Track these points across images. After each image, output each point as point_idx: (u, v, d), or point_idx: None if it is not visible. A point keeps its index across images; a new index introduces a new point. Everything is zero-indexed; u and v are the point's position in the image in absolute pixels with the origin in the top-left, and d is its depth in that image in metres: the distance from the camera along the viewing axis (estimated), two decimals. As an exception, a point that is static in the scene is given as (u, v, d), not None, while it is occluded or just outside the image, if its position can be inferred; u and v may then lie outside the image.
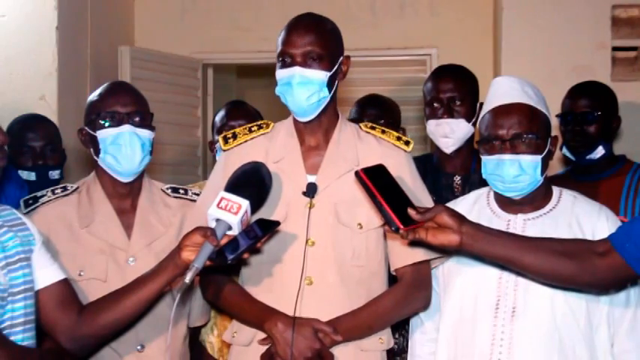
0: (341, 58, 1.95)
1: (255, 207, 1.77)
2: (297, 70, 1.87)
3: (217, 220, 1.68)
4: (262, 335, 1.88)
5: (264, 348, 1.88)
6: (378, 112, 2.81)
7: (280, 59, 1.91)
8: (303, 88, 1.87)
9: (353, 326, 1.86)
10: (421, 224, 1.64)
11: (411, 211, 1.63)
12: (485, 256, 1.72)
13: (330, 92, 1.91)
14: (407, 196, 1.69)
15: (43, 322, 1.72)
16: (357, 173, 1.68)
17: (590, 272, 1.65)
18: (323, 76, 1.89)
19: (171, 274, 1.73)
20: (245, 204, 1.68)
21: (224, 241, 1.68)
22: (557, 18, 3.71)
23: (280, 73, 1.91)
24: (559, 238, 1.76)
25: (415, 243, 1.82)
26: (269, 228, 1.75)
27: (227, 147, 2.01)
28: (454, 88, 2.51)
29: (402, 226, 1.61)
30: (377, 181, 1.66)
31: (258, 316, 1.87)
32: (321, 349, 1.82)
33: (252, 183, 1.79)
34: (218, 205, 1.68)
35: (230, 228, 1.68)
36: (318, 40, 1.89)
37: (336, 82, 1.95)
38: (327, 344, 1.83)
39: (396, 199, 1.65)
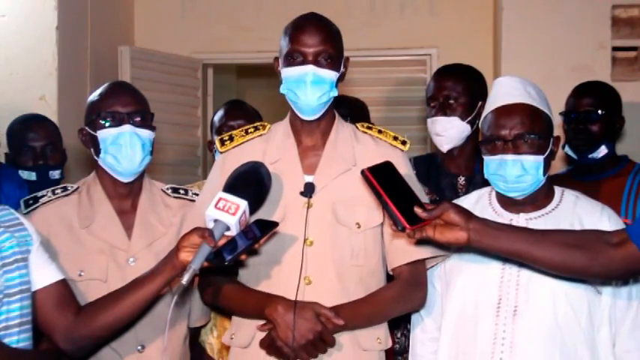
0: (343, 59, 1.96)
1: (254, 207, 1.76)
2: (310, 69, 1.87)
3: (215, 220, 1.67)
4: (262, 337, 1.87)
5: (263, 351, 1.87)
6: (345, 111, 2.81)
7: (289, 58, 1.90)
8: (316, 87, 1.88)
9: (353, 315, 1.85)
10: (428, 222, 1.63)
11: (417, 209, 1.61)
12: (494, 252, 1.72)
13: (336, 92, 1.92)
14: (414, 193, 1.68)
15: (40, 323, 1.71)
16: (362, 172, 1.66)
17: (602, 263, 1.63)
18: (333, 76, 1.90)
19: (168, 275, 1.72)
20: (243, 204, 1.67)
21: (222, 241, 1.67)
22: (557, 18, 3.71)
23: (290, 71, 1.90)
24: (569, 230, 1.75)
25: (421, 243, 1.81)
26: (267, 228, 1.74)
27: (224, 149, 2.01)
28: (449, 86, 2.51)
29: (407, 226, 1.60)
30: (383, 180, 1.64)
31: (258, 303, 1.85)
32: (323, 331, 1.81)
33: (251, 183, 1.78)
34: (216, 205, 1.67)
35: (228, 229, 1.67)
36: (330, 40, 1.90)
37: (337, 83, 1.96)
38: (328, 328, 1.82)
39: (402, 198, 1.63)
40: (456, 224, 1.63)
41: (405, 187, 1.67)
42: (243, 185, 1.75)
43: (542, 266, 1.71)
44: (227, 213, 1.66)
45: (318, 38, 1.88)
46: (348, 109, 2.83)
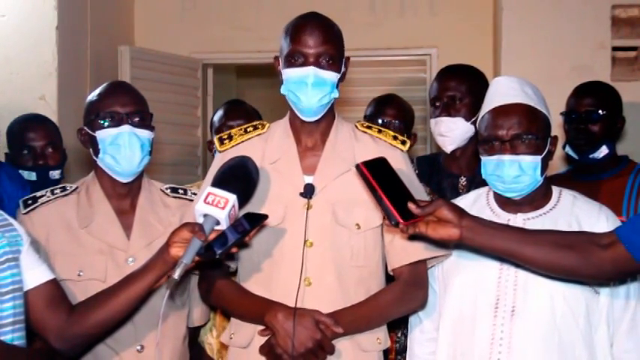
0: (344, 59, 1.95)
1: (243, 201, 1.77)
2: (312, 70, 1.86)
3: (205, 215, 1.68)
4: (261, 338, 1.87)
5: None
6: (396, 112, 2.79)
7: (290, 58, 1.89)
8: (318, 88, 1.87)
9: (352, 320, 1.86)
10: (421, 218, 1.64)
11: (411, 205, 1.62)
12: (485, 250, 1.73)
13: (337, 94, 1.92)
14: (408, 189, 1.68)
15: (32, 323, 1.71)
16: (357, 166, 1.67)
17: (591, 264, 1.65)
18: (335, 77, 1.89)
19: (160, 271, 1.73)
20: (232, 198, 1.68)
21: (212, 236, 1.68)
22: (557, 18, 3.71)
23: (291, 72, 1.88)
24: (561, 231, 1.76)
25: (415, 239, 1.81)
26: (257, 222, 1.75)
27: (223, 148, 2.01)
28: (453, 86, 2.52)
29: (401, 221, 1.60)
30: (377, 175, 1.65)
31: (258, 309, 1.86)
32: (322, 339, 1.81)
33: (239, 177, 1.79)
34: (205, 200, 1.67)
35: (218, 223, 1.68)
36: (331, 41, 1.88)
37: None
38: (327, 336, 1.82)
39: (396, 193, 1.64)
40: (449, 221, 1.64)
41: (398, 183, 1.68)
42: (232, 179, 1.76)
43: (532, 265, 1.72)
44: (216, 207, 1.66)
45: (319, 39, 1.87)
46: (398, 109, 2.82)
